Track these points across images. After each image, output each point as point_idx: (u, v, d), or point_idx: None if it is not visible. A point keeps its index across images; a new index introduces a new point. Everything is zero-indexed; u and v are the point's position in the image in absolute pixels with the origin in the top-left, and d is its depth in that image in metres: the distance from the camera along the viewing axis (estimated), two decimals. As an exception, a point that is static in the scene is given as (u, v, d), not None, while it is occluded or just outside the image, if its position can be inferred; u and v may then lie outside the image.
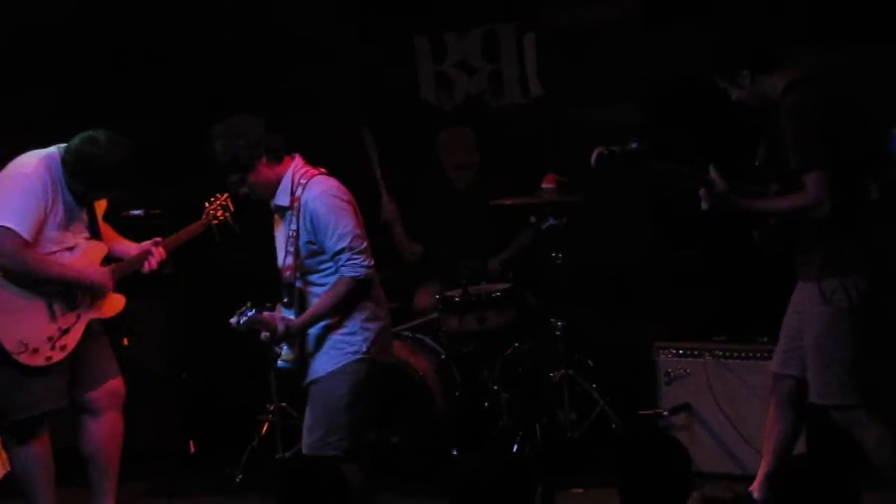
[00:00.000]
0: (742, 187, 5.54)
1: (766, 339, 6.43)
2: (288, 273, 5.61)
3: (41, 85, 8.02)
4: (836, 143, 5.33)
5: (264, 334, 5.60)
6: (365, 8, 8.33)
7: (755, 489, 5.73)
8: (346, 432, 5.54)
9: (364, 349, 5.58)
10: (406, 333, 7.25)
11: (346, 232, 5.49)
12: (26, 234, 5.79)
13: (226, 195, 6.35)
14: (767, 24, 7.19)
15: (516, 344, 7.27)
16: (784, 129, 5.38)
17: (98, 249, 6.12)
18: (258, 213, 5.85)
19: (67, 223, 5.98)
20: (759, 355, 6.54)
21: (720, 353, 6.75)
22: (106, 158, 5.88)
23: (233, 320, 5.48)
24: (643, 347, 7.06)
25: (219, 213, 6.38)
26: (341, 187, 5.62)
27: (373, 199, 7.41)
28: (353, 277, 5.50)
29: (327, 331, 5.59)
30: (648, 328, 7.31)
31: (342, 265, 5.50)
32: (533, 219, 7.13)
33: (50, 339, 5.92)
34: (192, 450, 7.63)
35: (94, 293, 6.05)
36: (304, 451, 5.64)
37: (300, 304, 5.62)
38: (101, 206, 6.20)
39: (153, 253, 6.21)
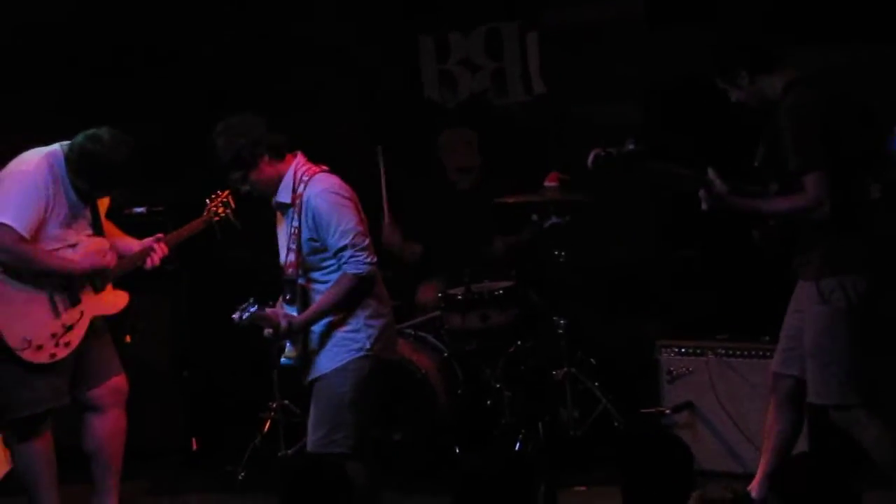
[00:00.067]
0: (741, 188, 5.54)
1: (768, 338, 6.42)
2: (290, 270, 5.61)
3: (41, 85, 8.01)
4: (835, 143, 5.33)
5: (267, 331, 5.61)
6: (369, 7, 8.32)
7: (754, 488, 5.74)
8: (350, 429, 5.55)
9: (368, 346, 5.59)
10: (408, 331, 7.24)
11: (348, 229, 5.49)
12: (24, 230, 5.79)
13: (227, 192, 6.36)
14: (767, 23, 7.18)
15: (519, 342, 7.27)
16: (783, 129, 5.37)
17: (100, 246, 6.12)
18: (259, 210, 5.86)
19: (71, 221, 5.98)
20: (761, 354, 6.53)
21: (722, 352, 6.75)
22: (110, 156, 5.88)
23: (235, 316, 5.48)
24: (646, 346, 7.05)
25: (220, 210, 6.39)
26: (343, 184, 5.62)
27: (375, 218, 7.38)
28: (355, 274, 5.50)
29: (331, 328, 5.60)
30: (651, 326, 7.31)
31: (345, 262, 5.50)
32: (535, 217, 7.13)
33: (53, 335, 5.92)
34: (195, 447, 7.62)
35: (96, 278, 6.03)
36: (309, 448, 5.63)
37: (303, 300, 5.62)
38: (103, 203, 6.21)
39: (155, 249, 6.21)
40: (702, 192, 5.52)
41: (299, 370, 5.69)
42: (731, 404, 6.67)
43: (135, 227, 6.53)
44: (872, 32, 7.11)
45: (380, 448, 6.09)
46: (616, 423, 7.02)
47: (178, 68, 8.24)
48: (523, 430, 6.92)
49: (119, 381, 6.20)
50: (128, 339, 6.83)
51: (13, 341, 5.85)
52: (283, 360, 5.73)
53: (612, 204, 7.40)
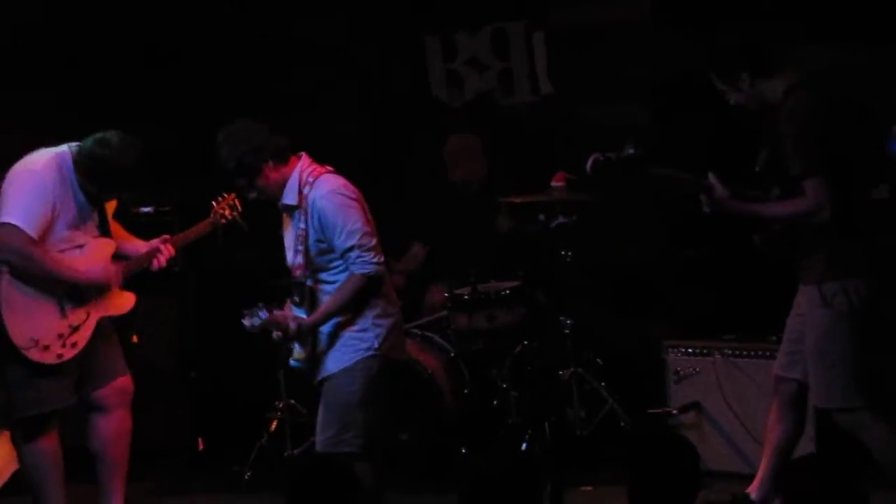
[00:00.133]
0: (742, 192, 5.54)
1: (775, 338, 6.39)
2: (298, 272, 5.62)
3: (41, 84, 8.02)
4: (836, 147, 5.32)
5: (276, 334, 5.62)
6: (375, 7, 8.32)
7: (753, 489, 5.74)
8: (359, 429, 5.55)
9: (376, 346, 5.59)
10: (415, 331, 7.25)
11: (354, 229, 5.49)
12: (32, 231, 5.79)
13: (233, 195, 6.35)
14: (770, 23, 7.17)
15: (525, 342, 7.26)
16: (784, 134, 5.36)
17: (106, 247, 6.13)
18: (265, 212, 5.86)
19: (79, 222, 5.99)
20: (768, 354, 6.51)
21: (729, 352, 6.75)
22: (118, 160, 5.89)
23: (246, 322, 5.50)
24: (652, 346, 7.05)
25: (227, 213, 6.39)
26: (348, 185, 5.63)
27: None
28: (363, 274, 5.51)
29: (339, 328, 5.60)
30: (658, 327, 7.30)
31: (352, 263, 5.51)
32: (542, 217, 7.12)
33: (60, 336, 5.92)
34: (201, 447, 7.63)
35: (101, 290, 6.05)
36: (318, 448, 5.64)
37: (311, 302, 5.63)
38: (110, 204, 6.21)
39: (162, 251, 6.22)
40: (703, 197, 5.52)
41: (308, 371, 5.70)
42: (738, 404, 6.66)
43: (141, 227, 6.54)
44: (873, 32, 7.10)
45: (387, 448, 6.09)
46: (623, 424, 7.01)
47: (178, 68, 8.24)
48: (530, 430, 6.91)
49: (124, 382, 6.21)
50: (134, 339, 6.83)
51: (20, 341, 5.85)
52: (291, 361, 5.74)
53: (618, 204, 7.39)
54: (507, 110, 8.30)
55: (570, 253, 7.15)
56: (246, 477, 7.15)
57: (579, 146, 7.02)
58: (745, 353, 6.71)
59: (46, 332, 5.89)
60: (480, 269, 7.26)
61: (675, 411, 6.86)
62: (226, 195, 6.38)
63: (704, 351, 6.82)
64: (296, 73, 8.39)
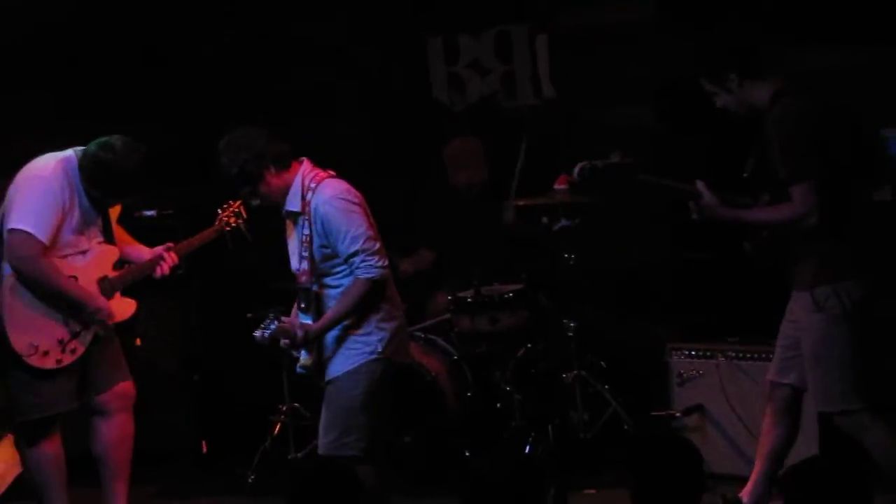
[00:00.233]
0: (731, 199, 5.54)
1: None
2: (304, 278, 5.62)
3: (41, 85, 8.02)
4: (824, 151, 5.31)
5: (284, 341, 5.62)
6: (377, 8, 8.32)
7: (746, 493, 5.74)
8: (362, 432, 5.55)
9: (380, 349, 5.59)
10: (418, 334, 7.24)
11: (358, 234, 5.49)
12: (43, 237, 5.79)
13: (239, 202, 6.35)
14: (768, 24, 7.17)
15: (529, 345, 7.26)
16: (771, 139, 5.36)
17: (110, 254, 6.13)
18: (268, 217, 5.86)
19: (83, 227, 5.99)
20: (771, 357, 6.49)
21: (733, 355, 6.75)
22: (122, 164, 5.89)
23: (257, 334, 5.51)
24: (656, 348, 7.05)
25: (231, 220, 6.39)
26: (351, 189, 5.62)
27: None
28: (368, 279, 5.51)
29: (343, 332, 5.61)
30: (661, 329, 7.30)
31: (356, 267, 5.50)
32: (545, 219, 7.12)
33: (60, 341, 5.92)
34: (205, 451, 7.64)
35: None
36: (321, 451, 5.64)
37: (317, 307, 5.63)
38: (115, 209, 6.21)
39: (165, 258, 6.21)
40: (691, 204, 5.52)
41: (314, 373, 5.70)
42: (742, 407, 6.66)
43: (145, 231, 6.54)
44: (872, 33, 7.09)
45: (390, 451, 6.09)
46: (626, 426, 7.01)
47: (178, 68, 8.24)
48: (533, 433, 6.91)
49: (126, 387, 6.20)
50: (138, 342, 6.83)
51: (20, 347, 5.85)
52: (298, 368, 5.74)
53: (621, 207, 7.39)
54: (510, 113, 8.30)
55: (573, 256, 7.15)
56: (249, 480, 7.15)
57: (582, 149, 7.04)
58: (748, 355, 6.70)
59: (47, 338, 5.89)
60: (483, 272, 7.26)
61: (678, 414, 6.86)
62: (231, 202, 6.38)
63: (708, 354, 6.82)
64: (296, 73, 8.39)
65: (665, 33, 7.71)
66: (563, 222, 7.05)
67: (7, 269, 5.86)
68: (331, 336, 5.61)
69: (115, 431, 6.17)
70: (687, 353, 6.88)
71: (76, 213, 5.93)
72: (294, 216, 5.66)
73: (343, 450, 5.53)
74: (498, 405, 7.11)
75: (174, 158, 7.40)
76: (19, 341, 5.85)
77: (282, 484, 6.78)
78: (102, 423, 6.16)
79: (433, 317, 7.51)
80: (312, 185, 5.59)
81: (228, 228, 6.39)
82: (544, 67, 8.23)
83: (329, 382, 5.65)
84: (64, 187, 5.88)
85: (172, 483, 7.35)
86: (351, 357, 5.60)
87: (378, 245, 5.55)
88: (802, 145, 5.29)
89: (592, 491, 6.65)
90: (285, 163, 5.62)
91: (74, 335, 5.96)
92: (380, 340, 5.60)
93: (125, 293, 6.18)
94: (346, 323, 5.59)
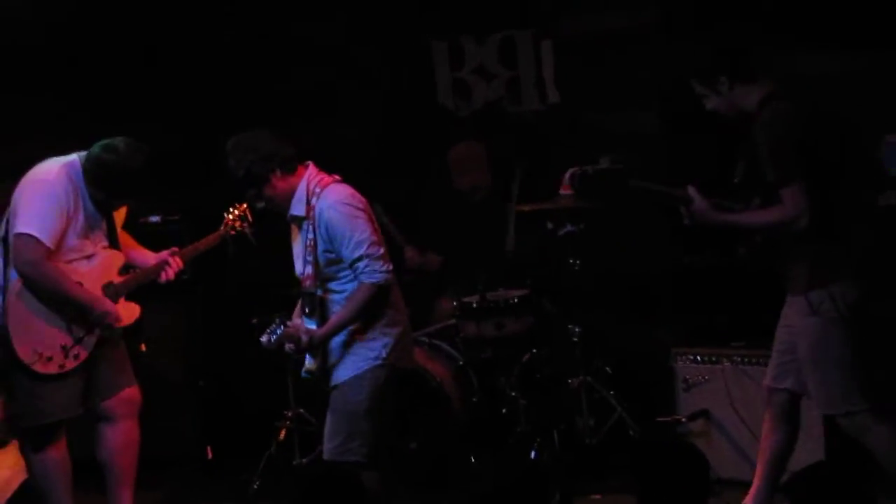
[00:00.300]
0: (723, 203, 5.54)
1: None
2: (308, 283, 5.63)
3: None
4: (811, 153, 5.31)
5: (288, 346, 5.62)
6: (382, 15, 8.32)
7: (749, 501, 5.73)
8: (366, 438, 5.55)
9: (384, 355, 5.60)
10: (423, 339, 7.24)
11: (362, 239, 5.50)
12: (49, 241, 5.80)
13: (244, 206, 6.36)
14: (770, 30, 7.18)
15: (534, 350, 7.26)
16: (760, 143, 5.36)
17: (115, 259, 6.14)
18: (273, 222, 5.86)
19: (88, 232, 5.99)
20: (777, 362, 6.51)
21: (738, 360, 6.74)
22: (125, 165, 5.89)
23: (263, 339, 5.52)
24: (661, 354, 7.04)
25: (237, 224, 6.40)
26: (356, 194, 5.63)
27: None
28: (372, 284, 5.51)
29: (348, 337, 5.62)
30: (666, 334, 7.29)
31: (361, 272, 5.51)
32: (550, 224, 7.12)
33: (64, 347, 5.92)
34: (210, 457, 7.63)
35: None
36: (325, 457, 5.65)
37: (321, 312, 5.64)
38: (120, 214, 6.21)
39: (170, 263, 6.22)
40: (682, 209, 5.53)
41: (319, 378, 5.70)
42: (747, 412, 6.65)
43: (150, 236, 6.54)
44: (874, 38, 7.09)
45: (394, 456, 6.09)
46: (631, 432, 7.00)
47: (178, 68, 8.24)
48: (538, 439, 6.91)
49: (132, 393, 6.21)
50: (143, 347, 6.83)
51: (24, 354, 5.85)
52: (303, 373, 5.75)
53: (626, 212, 7.39)
54: (515, 119, 8.30)
55: (578, 261, 7.14)
56: (254, 486, 7.14)
57: (587, 154, 7.04)
58: (753, 360, 6.69)
59: (50, 344, 5.89)
60: (488, 278, 7.26)
61: (683, 419, 6.85)
62: (236, 206, 6.39)
63: (713, 359, 6.81)
64: (296, 73, 8.39)
65: (670, 39, 7.71)
66: (568, 227, 7.04)
67: (13, 274, 5.87)
68: (336, 342, 5.62)
69: (120, 437, 6.17)
70: (692, 358, 6.87)
71: (80, 217, 5.94)
72: (299, 220, 5.66)
73: (347, 455, 5.54)
74: (503, 410, 7.11)
75: (178, 163, 7.41)
76: (23, 348, 5.85)
77: (287, 490, 6.80)
78: (108, 429, 6.16)
79: (438, 322, 7.51)
80: (317, 190, 5.59)
81: (233, 232, 6.40)
82: (549, 73, 8.24)
83: (334, 388, 5.65)
84: (68, 191, 5.89)
85: (177, 489, 7.35)
86: (355, 363, 5.60)
87: (382, 250, 5.56)
88: (791, 148, 5.30)
89: (598, 496, 6.64)
90: (291, 166, 5.63)
91: (78, 341, 5.96)
92: (384, 346, 5.61)
93: (130, 298, 6.18)
94: (351, 328, 5.59)
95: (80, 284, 5.95)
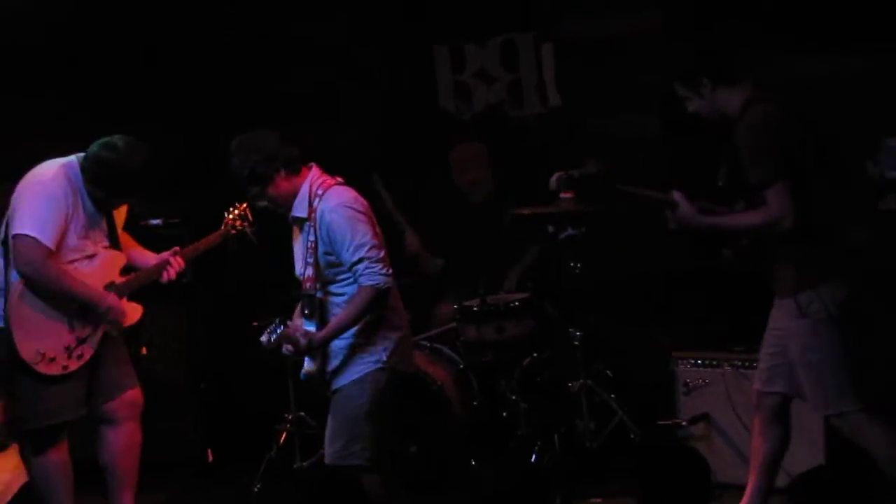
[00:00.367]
0: (708, 207, 5.54)
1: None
2: (308, 284, 5.62)
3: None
4: (794, 154, 5.31)
5: (286, 347, 5.61)
6: (384, 19, 8.33)
7: None
8: (367, 442, 5.55)
9: (384, 358, 5.59)
10: (424, 343, 7.24)
11: (362, 243, 5.49)
12: (48, 242, 5.80)
13: (244, 205, 6.37)
14: (768, 30, 7.18)
15: (535, 354, 7.26)
16: (743, 146, 5.36)
17: (117, 259, 6.14)
18: (274, 223, 5.86)
19: (88, 232, 6.00)
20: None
21: (739, 364, 6.73)
22: (125, 163, 5.90)
23: (263, 339, 5.51)
24: (662, 357, 7.03)
25: (238, 224, 6.41)
26: (358, 198, 5.63)
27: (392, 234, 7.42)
28: (372, 286, 5.50)
29: (348, 341, 5.61)
30: (667, 338, 7.29)
31: (360, 275, 5.50)
32: (551, 228, 7.12)
33: (67, 348, 5.93)
34: (210, 459, 7.63)
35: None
36: (326, 460, 5.64)
37: (320, 314, 5.63)
38: (121, 215, 6.22)
39: (172, 263, 6.23)
40: (668, 213, 5.53)
41: (319, 382, 5.70)
42: (748, 416, 6.61)
43: (151, 239, 6.54)
44: (874, 41, 7.09)
45: (395, 460, 6.09)
46: (632, 435, 7.00)
47: (178, 69, 8.24)
48: (539, 442, 6.90)
49: (134, 395, 6.21)
50: (143, 351, 6.83)
51: (28, 356, 5.85)
52: (303, 375, 5.75)
53: (627, 215, 7.38)
54: (516, 122, 8.30)
55: (579, 264, 7.14)
56: (255, 489, 7.13)
57: (589, 157, 7.03)
58: (754, 364, 6.61)
59: (54, 345, 5.90)
60: (489, 281, 7.26)
61: (684, 423, 6.85)
62: (237, 205, 6.39)
63: (714, 362, 6.81)
64: (296, 73, 8.40)
65: (672, 41, 7.71)
66: (569, 231, 7.03)
67: (15, 276, 5.87)
68: (336, 345, 5.62)
69: (122, 440, 6.17)
70: (693, 362, 6.87)
71: (80, 217, 5.94)
72: (300, 222, 5.66)
73: (349, 459, 5.53)
74: (504, 414, 7.11)
75: (179, 166, 7.41)
76: (26, 349, 5.86)
77: (288, 493, 6.81)
78: (110, 432, 6.17)
79: (439, 326, 7.52)
80: (320, 192, 5.59)
81: (234, 232, 6.41)
82: (550, 76, 8.24)
83: (334, 392, 5.65)
84: (67, 192, 5.89)
85: (178, 492, 7.34)
86: (356, 366, 5.60)
87: (383, 254, 5.55)
88: (772, 148, 5.30)
89: (598, 500, 6.63)
90: (296, 167, 5.63)
91: (81, 341, 5.97)
92: (384, 350, 5.61)
93: (131, 299, 6.18)
94: (351, 332, 5.59)
95: (83, 283, 5.95)
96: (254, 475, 7.18)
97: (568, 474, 6.72)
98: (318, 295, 5.63)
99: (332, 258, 5.56)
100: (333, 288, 5.62)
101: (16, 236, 5.82)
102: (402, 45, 8.35)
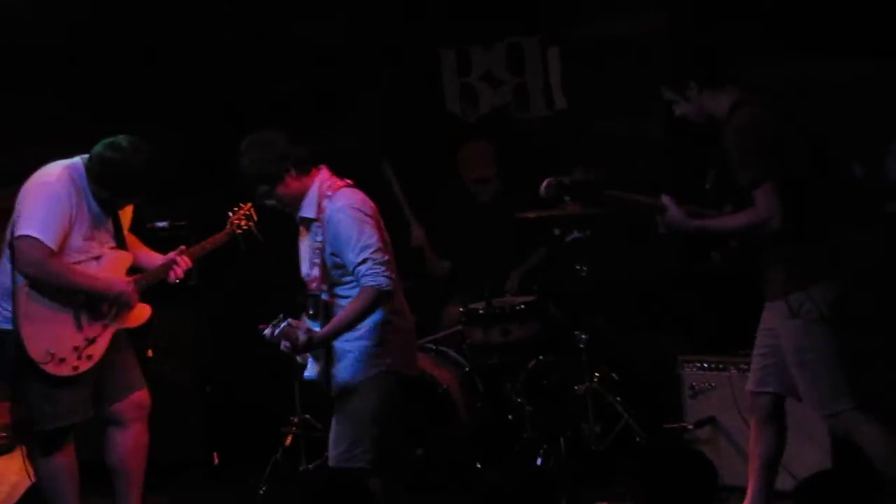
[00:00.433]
0: (697, 211, 5.54)
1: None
2: (314, 285, 5.62)
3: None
4: (782, 155, 5.31)
5: (284, 344, 5.59)
6: (389, 21, 8.33)
7: None
8: (371, 444, 5.54)
9: (388, 361, 5.59)
10: (430, 346, 7.25)
11: (368, 244, 5.49)
12: (51, 243, 5.80)
13: (249, 204, 6.37)
14: (767, 35, 7.18)
15: (540, 356, 7.26)
16: (731, 148, 5.36)
17: (123, 259, 6.14)
18: (280, 223, 5.86)
19: (93, 233, 6.00)
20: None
21: (745, 367, 6.67)
22: (129, 163, 5.90)
23: (266, 331, 5.48)
24: (668, 361, 7.03)
25: (243, 223, 6.42)
26: (366, 200, 5.63)
27: (399, 226, 7.43)
28: (374, 287, 5.47)
29: (353, 343, 5.60)
30: (673, 341, 7.29)
31: (363, 275, 5.48)
32: (557, 231, 7.12)
33: (76, 348, 5.93)
34: (216, 462, 7.63)
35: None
36: (331, 463, 5.63)
37: (325, 315, 5.62)
38: (126, 216, 6.23)
39: (178, 262, 6.23)
40: (657, 218, 5.53)
41: (323, 385, 5.70)
42: (754, 419, 6.65)
43: (157, 242, 6.54)
44: (871, 46, 7.09)
45: (401, 462, 6.09)
46: (638, 439, 7.00)
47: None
48: (545, 445, 6.90)
49: (142, 396, 6.21)
50: (149, 353, 6.84)
51: (37, 355, 5.85)
52: (306, 374, 5.74)
53: (633, 218, 7.38)
54: (522, 125, 8.31)
55: (584, 267, 7.14)
56: (260, 492, 7.14)
57: (594, 160, 7.04)
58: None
59: (63, 345, 5.90)
60: (495, 284, 7.27)
61: (690, 426, 6.84)
62: (242, 205, 6.40)
63: (720, 366, 6.80)
64: (296, 73, 8.40)
65: (671, 41, 7.72)
66: (575, 234, 7.04)
67: (20, 278, 5.87)
68: (339, 347, 5.61)
69: (130, 441, 6.18)
70: (699, 365, 6.87)
71: (85, 219, 5.95)
72: (308, 223, 5.66)
73: (353, 462, 5.53)
74: (509, 417, 7.11)
75: (184, 168, 7.42)
76: (35, 349, 5.85)
77: (293, 496, 6.80)
78: (117, 433, 6.17)
79: (445, 328, 7.52)
80: (328, 193, 5.59)
81: (240, 231, 6.41)
82: (556, 79, 8.25)
83: (339, 394, 5.65)
84: (71, 193, 5.90)
85: (184, 494, 7.34)
86: (360, 369, 5.59)
87: (387, 257, 5.54)
88: (761, 149, 5.30)
89: (604, 503, 6.63)
90: (305, 167, 5.63)
91: (90, 342, 5.97)
92: (389, 352, 5.60)
93: (139, 299, 6.18)
94: (355, 334, 5.58)
95: (89, 274, 5.96)
96: (259, 477, 7.18)
97: (573, 477, 6.71)
98: (324, 296, 5.62)
99: (338, 259, 5.56)
100: (340, 290, 5.62)
101: (18, 237, 5.82)
102: (404, 47, 8.35)
